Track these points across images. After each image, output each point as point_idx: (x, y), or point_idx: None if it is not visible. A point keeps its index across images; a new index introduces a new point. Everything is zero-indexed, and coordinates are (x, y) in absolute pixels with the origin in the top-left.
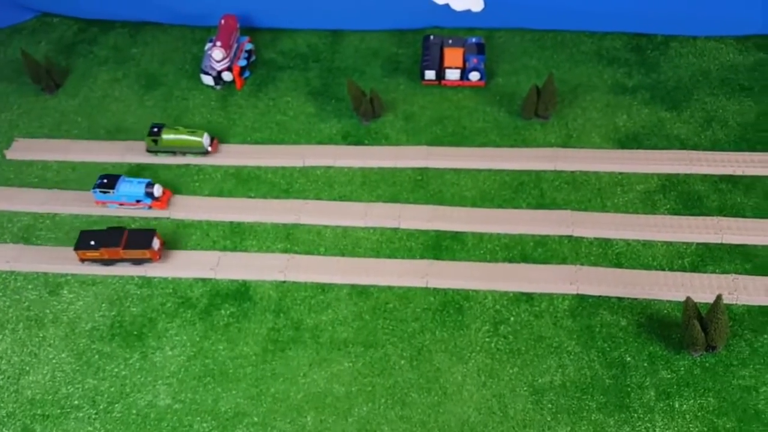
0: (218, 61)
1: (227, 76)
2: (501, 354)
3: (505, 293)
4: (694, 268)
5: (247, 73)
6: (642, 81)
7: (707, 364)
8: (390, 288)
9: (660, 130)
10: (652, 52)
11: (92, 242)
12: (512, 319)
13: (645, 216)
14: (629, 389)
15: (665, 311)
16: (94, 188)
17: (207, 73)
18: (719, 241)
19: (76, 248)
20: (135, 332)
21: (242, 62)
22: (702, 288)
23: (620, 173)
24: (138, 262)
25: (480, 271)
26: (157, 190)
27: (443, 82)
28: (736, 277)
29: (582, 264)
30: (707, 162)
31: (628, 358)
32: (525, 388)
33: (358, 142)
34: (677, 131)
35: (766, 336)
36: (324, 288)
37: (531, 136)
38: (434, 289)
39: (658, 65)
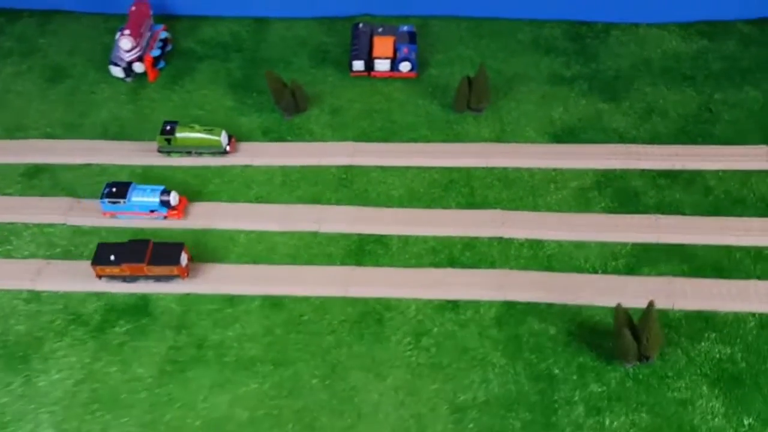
0: (127, 51)
1: (138, 68)
2: (422, 369)
3: (430, 301)
4: (629, 271)
5: (161, 64)
6: (580, 71)
7: (640, 376)
8: (306, 299)
9: (597, 122)
10: (591, 41)
11: (112, 257)
12: (435, 329)
13: (578, 215)
14: (557, 405)
15: (597, 318)
16: (102, 198)
17: (116, 65)
18: (656, 241)
19: (94, 263)
20: (20, 353)
21: (155, 52)
22: (636, 292)
23: (554, 169)
24: (163, 279)
25: (404, 277)
26: (174, 198)
27: (373, 73)
28: (672, 280)
29: (511, 268)
30: (646, 156)
31: (557, 371)
32: (446, 407)
33: (280, 139)
34: (615, 124)
35: (703, 344)
36: (233, 300)
37: (463, 130)
38: (354, 298)
39: (598, 54)
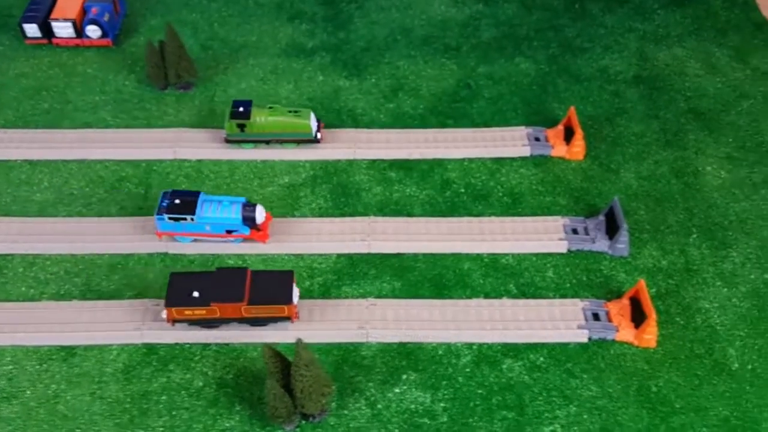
0: None
1: None
2: None
3: (36, 349)
4: (324, 292)
5: None
6: (326, 41)
7: None
8: None
9: (331, 102)
10: (347, 5)
11: (195, 293)
12: (29, 392)
13: (276, 220)
14: None
15: (263, 361)
16: (158, 213)
17: None
18: (367, 251)
19: (169, 304)
20: None
21: None
22: (321, 321)
23: (263, 161)
24: (260, 323)
25: (11, 316)
26: (260, 213)
27: (55, 40)
28: (373, 303)
29: (160, 297)
30: (378, 143)
31: None
32: None
33: None
34: (352, 104)
35: (397, 390)
36: None
37: (159, 112)
38: None
39: (351, 21)
